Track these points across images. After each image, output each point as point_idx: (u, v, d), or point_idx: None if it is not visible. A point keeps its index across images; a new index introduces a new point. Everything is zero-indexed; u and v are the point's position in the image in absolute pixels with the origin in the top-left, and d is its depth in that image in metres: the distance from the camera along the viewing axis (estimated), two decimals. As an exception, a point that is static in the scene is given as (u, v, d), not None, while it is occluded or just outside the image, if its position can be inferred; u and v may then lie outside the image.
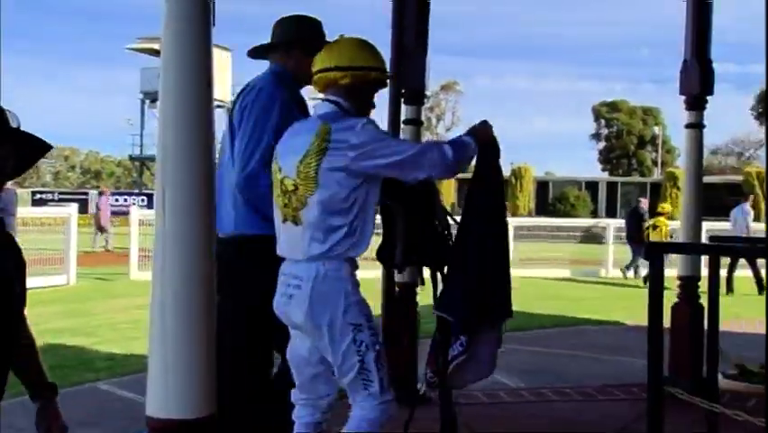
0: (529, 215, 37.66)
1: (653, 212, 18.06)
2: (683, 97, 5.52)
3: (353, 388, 2.97)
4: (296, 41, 3.49)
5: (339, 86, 3.02)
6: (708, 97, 5.47)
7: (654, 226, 16.68)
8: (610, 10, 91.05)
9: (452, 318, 3.25)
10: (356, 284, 2.98)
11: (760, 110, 52.37)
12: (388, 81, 3.26)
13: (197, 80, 1.94)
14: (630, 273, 17.23)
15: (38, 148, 2.34)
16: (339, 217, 2.89)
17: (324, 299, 2.89)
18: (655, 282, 3.39)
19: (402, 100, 5.12)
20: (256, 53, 3.62)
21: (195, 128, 1.94)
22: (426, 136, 60.94)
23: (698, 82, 5.33)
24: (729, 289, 15.02)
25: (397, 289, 5.22)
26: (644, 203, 18.79)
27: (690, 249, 5.60)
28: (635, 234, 16.72)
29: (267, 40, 3.59)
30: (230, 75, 38.28)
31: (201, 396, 1.96)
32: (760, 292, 14.96)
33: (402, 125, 5.12)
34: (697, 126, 5.51)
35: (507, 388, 5.73)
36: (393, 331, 5.24)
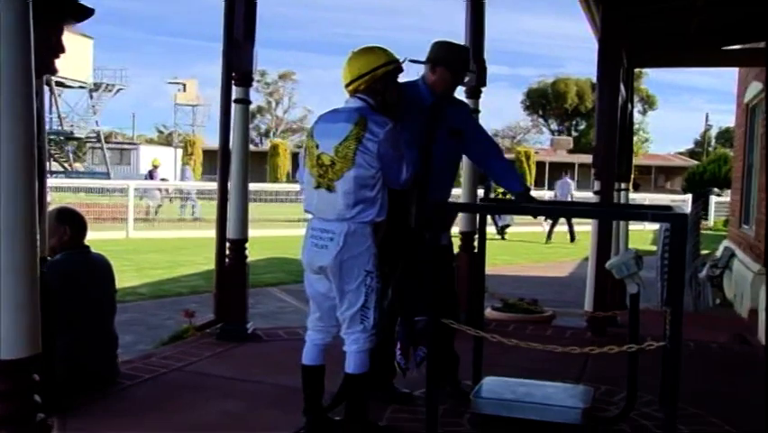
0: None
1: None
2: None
3: (352, 320, 3.17)
4: (441, 61, 3.60)
5: (360, 90, 3.22)
6: (482, 89, 5.67)
7: (504, 193, 17.37)
8: (423, 19, 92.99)
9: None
10: (374, 240, 3.16)
11: (528, 103, 55.35)
12: (400, 66, 3.30)
13: (16, 61, 1.76)
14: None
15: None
16: (367, 190, 3.11)
17: (350, 250, 3.09)
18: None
19: (233, 83, 5.00)
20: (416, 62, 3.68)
21: (15, 106, 1.77)
22: (267, 118, 60.54)
23: (475, 77, 5.50)
24: (549, 238, 17.06)
25: (228, 244, 5.09)
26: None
27: (471, 208, 5.78)
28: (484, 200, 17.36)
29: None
30: (91, 60, 37.90)
31: (25, 338, 1.80)
32: (546, 242, 16.85)
33: (233, 104, 5.01)
34: (475, 112, 5.68)
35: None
36: (226, 281, 5.13)
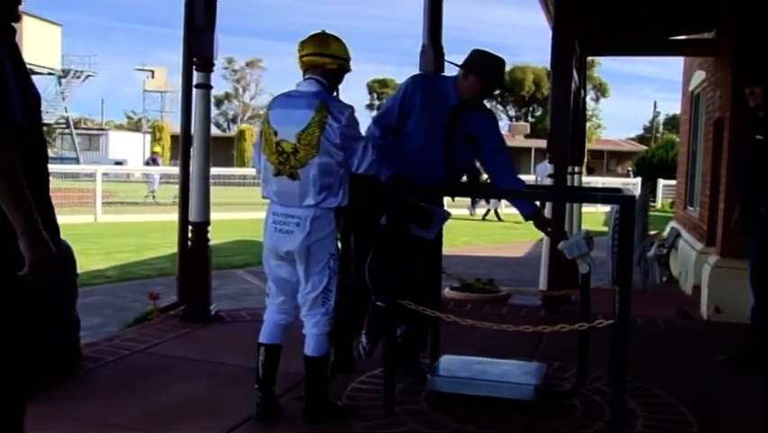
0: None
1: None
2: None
3: (314, 302, 3.09)
4: (474, 69, 3.46)
5: (325, 69, 3.07)
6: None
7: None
8: (384, 9, 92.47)
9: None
10: (337, 225, 3.10)
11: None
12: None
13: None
14: (475, 211, 18.71)
15: None
16: (330, 177, 3.00)
17: (316, 234, 3.01)
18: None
19: (194, 67, 4.86)
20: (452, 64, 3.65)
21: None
22: (234, 104, 59.76)
23: (432, 62, 5.43)
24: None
25: (190, 227, 4.97)
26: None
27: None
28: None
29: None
30: (59, 47, 37.48)
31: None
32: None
33: (194, 89, 4.87)
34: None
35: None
36: (189, 264, 5.02)
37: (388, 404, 3.33)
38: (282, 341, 3.25)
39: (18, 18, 2.07)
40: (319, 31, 3.17)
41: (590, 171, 25.50)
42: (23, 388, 2.10)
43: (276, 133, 3.05)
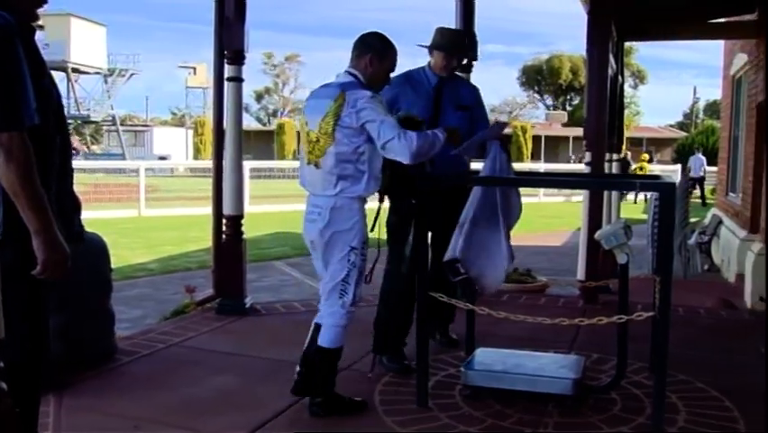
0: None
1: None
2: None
3: (332, 294, 3.03)
4: (434, 45, 3.81)
5: (354, 63, 3.08)
6: (473, 63, 5.44)
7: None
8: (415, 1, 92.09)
9: None
10: (363, 216, 3.01)
11: (523, 79, 54.60)
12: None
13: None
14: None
15: None
16: (349, 165, 2.94)
17: (336, 224, 2.96)
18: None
19: (225, 61, 4.78)
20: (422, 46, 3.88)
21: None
22: (274, 98, 60.17)
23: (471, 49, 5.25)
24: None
25: (225, 221, 4.91)
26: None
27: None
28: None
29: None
30: (105, 47, 38.27)
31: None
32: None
33: (226, 82, 4.80)
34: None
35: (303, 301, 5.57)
36: (223, 257, 4.97)
37: (422, 399, 3.22)
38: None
39: (36, 18, 2.03)
40: None
41: (650, 161, 25.62)
42: (37, 382, 2.08)
43: (307, 123, 3.07)
